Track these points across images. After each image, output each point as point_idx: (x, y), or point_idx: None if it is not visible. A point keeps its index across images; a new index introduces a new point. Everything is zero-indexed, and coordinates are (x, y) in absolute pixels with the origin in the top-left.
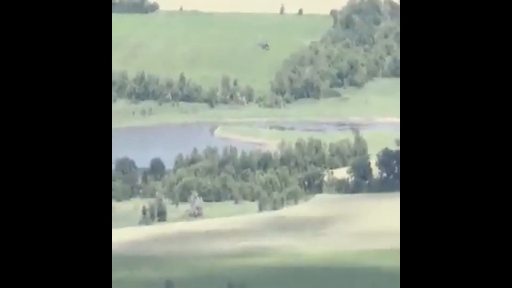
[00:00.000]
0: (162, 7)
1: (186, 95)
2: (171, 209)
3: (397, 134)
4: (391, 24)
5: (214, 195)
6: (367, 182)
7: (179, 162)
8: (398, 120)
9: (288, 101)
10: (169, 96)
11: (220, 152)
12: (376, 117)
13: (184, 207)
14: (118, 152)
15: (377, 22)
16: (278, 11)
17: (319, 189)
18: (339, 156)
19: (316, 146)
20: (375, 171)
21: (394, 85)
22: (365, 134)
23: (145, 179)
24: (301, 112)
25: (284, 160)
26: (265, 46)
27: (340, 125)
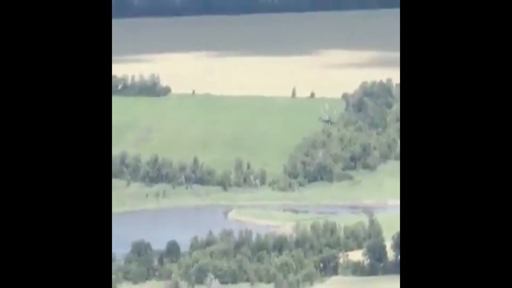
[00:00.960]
0: (174, 91)
1: (200, 178)
2: None
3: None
4: None
5: (230, 277)
6: (382, 264)
7: (195, 245)
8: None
9: (301, 184)
10: (182, 179)
11: (235, 235)
12: (389, 200)
13: None
14: (134, 234)
15: (389, 106)
16: (289, 94)
17: (334, 271)
18: (353, 238)
19: (331, 229)
20: (390, 254)
21: None
22: (379, 217)
23: (161, 261)
24: (315, 195)
25: (299, 243)
26: (328, 122)
27: (353, 208)
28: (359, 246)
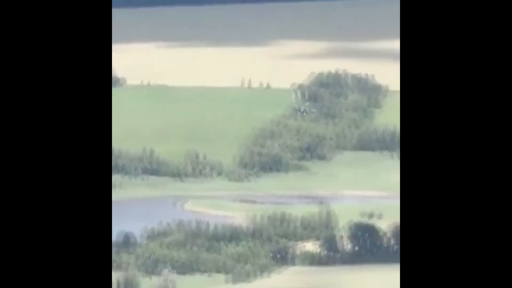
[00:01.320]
0: (129, 81)
1: (156, 169)
2: (144, 283)
3: (366, 207)
4: (358, 98)
5: (187, 268)
6: (338, 255)
7: (151, 236)
8: (367, 193)
9: (257, 175)
10: (138, 170)
11: (192, 225)
12: (344, 190)
13: (157, 281)
14: None
15: (345, 96)
16: (245, 85)
17: (291, 262)
18: (310, 229)
19: (287, 220)
20: (346, 244)
21: (362, 158)
22: (335, 207)
23: (117, 253)
24: (270, 186)
25: (256, 234)
26: (301, 112)
27: (309, 198)
28: (316, 237)
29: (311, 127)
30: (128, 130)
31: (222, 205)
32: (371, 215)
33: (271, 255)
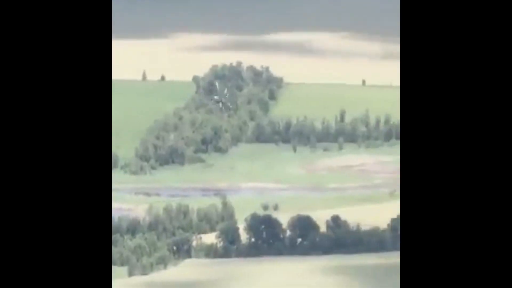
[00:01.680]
0: None
1: None
2: None
3: (263, 199)
4: (254, 90)
5: None
6: (235, 247)
7: None
8: (263, 184)
9: (153, 167)
10: None
11: None
12: (241, 183)
13: None
14: None
15: (240, 88)
16: (140, 77)
17: (187, 254)
18: (206, 221)
19: (184, 211)
20: (243, 236)
21: (258, 150)
22: (231, 199)
23: None
24: (167, 178)
25: (152, 226)
26: (219, 102)
27: (205, 190)
28: (212, 229)
29: (207, 119)
30: None
31: (119, 198)
32: (267, 207)
33: (168, 247)
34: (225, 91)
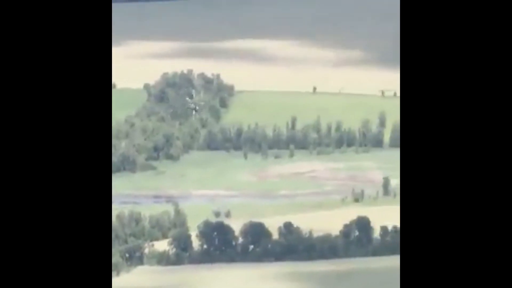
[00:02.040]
0: None
1: None
2: None
3: (214, 206)
4: (205, 97)
5: None
6: (187, 254)
7: None
8: (214, 192)
9: None
10: None
11: None
12: (192, 190)
13: None
14: None
15: (191, 96)
16: None
17: (140, 261)
18: (158, 228)
19: (136, 219)
20: (196, 243)
21: (209, 157)
22: (182, 206)
23: None
24: (118, 185)
25: None
26: (194, 109)
27: (157, 197)
28: (164, 236)
29: (158, 127)
30: None
31: None
32: (218, 214)
33: (120, 254)
34: (200, 94)
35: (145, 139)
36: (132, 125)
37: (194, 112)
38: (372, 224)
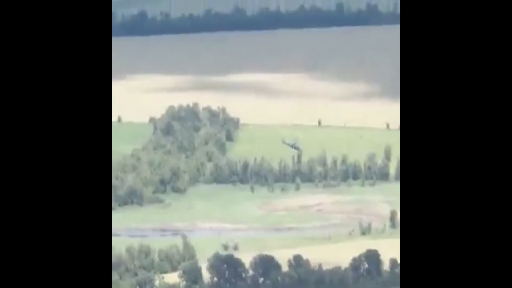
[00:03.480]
0: None
1: None
2: None
3: (222, 239)
4: (211, 130)
5: None
6: (198, 286)
7: None
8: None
9: (112, 208)
10: None
11: None
12: (200, 223)
13: None
14: None
15: (197, 129)
16: None
17: None
18: (168, 261)
19: (145, 252)
20: (206, 276)
21: (216, 190)
22: (191, 239)
23: None
24: (126, 218)
25: (115, 266)
26: (294, 146)
27: (165, 230)
28: (174, 269)
29: (164, 160)
30: None
31: None
32: (227, 247)
33: (131, 287)
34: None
35: (151, 173)
36: (139, 158)
37: (294, 149)
38: (381, 257)
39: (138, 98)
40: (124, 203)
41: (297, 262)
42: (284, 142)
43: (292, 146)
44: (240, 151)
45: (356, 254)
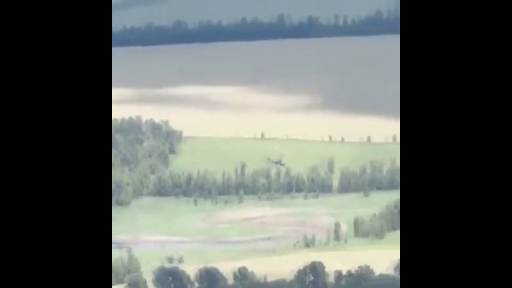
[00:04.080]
0: None
1: None
2: None
3: (166, 251)
4: (154, 143)
5: None
6: None
7: None
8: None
9: None
10: None
11: None
12: (144, 235)
13: None
14: None
15: (140, 142)
16: None
17: None
18: (113, 274)
19: None
20: None
21: (159, 204)
22: (135, 252)
23: None
24: None
25: None
26: (279, 163)
27: None
28: (119, 281)
29: None
30: None
31: None
32: (172, 259)
33: None
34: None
35: None
36: None
37: (279, 165)
38: (326, 269)
39: None
40: None
41: (242, 274)
42: (269, 159)
43: (277, 163)
44: (184, 164)
45: (301, 266)
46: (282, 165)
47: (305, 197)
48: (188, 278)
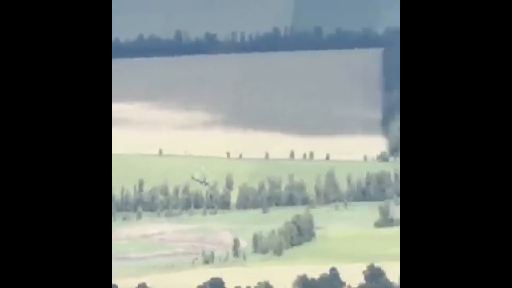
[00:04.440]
0: None
1: None
2: None
3: None
4: None
5: None
6: None
7: None
8: None
9: None
10: None
11: None
12: None
13: None
14: None
15: None
16: None
17: None
18: None
19: None
20: None
21: None
22: None
23: None
24: None
25: None
26: (203, 182)
27: None
28: None
29: None
30: None
31: None
32: None
33: None
34: None
35: None
36: None
37: (203, 184)
38: (225, 285)
39: None
40: None
41: None
42: (193, 178)
43: (201, 182)
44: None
45: (201, 282)
46: (206, 184)
47: (204, 213)
48: None
